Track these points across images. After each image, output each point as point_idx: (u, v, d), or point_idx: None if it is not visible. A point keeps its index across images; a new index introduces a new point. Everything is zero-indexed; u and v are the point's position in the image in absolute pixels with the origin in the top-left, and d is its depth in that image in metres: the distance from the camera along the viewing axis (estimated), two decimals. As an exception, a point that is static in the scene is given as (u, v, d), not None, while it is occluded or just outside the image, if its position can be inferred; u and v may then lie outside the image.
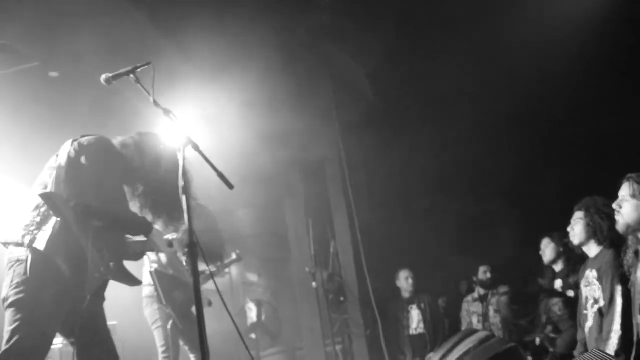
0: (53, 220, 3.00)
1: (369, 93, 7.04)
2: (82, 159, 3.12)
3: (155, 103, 2.96)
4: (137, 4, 5.41)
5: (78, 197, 3.04)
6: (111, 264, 3.24)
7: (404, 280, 7.53)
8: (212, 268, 5.63)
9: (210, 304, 5.08)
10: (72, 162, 3.10)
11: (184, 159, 2.84)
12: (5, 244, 3.07)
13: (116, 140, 3.43)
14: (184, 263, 5.18)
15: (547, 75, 7.16)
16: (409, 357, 7.21)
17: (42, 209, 3.07)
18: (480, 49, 7.04)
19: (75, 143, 3.18)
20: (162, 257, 5.23)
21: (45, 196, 3.02)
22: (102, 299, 3.34)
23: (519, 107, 7.49)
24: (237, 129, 7.16)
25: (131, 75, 3.05)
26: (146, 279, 5.26)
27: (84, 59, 5.37)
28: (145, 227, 3.36)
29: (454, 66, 7.09)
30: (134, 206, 3.47)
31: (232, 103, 6.54)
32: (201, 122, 6.74)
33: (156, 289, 5.06)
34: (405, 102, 7.64)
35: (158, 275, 5.08)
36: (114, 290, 6.94)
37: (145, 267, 5.33)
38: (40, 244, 2.96)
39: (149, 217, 3.47)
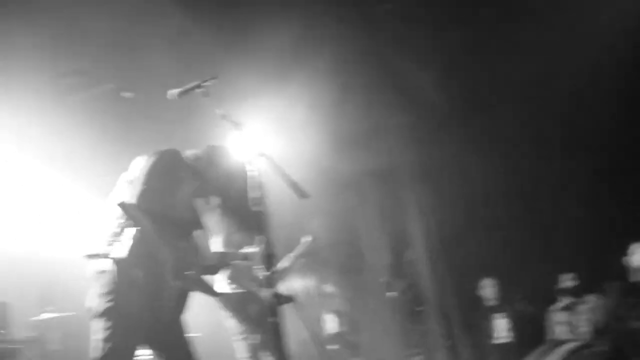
0: (132, 230, 3.07)
1: (441, 98, 6.91)
2: (154, 172, 3.18)
3: (224, 116, 2.96)
4: (201, 23, 5.52)
5: (151, 207, 3.10)
6: (189, 273, 3.26)
7: (488, 289, 7.33)
8: (286, 263, 5.58)
9: (289, 301, 5.08)
10: (145, 175, 3.17)
11: (256, 170, 2.85)
12: (89, 257, 3.14)
13: (188, 153, 3.46)
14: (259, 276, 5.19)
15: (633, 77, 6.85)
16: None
17: (121, 220, 3.13)
18: (560, 47, 6.78)
19: (148, 157, 3.26)
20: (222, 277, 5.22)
21: (123, 206, 3.10)
22: (183, 311, 3.36)
23: (600, 114, 7.18)
24: (308, 139, 7.19)
25: (198, 90, 3.07)
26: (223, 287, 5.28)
27: (155, 79, 5.55)
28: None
29: (532, 68, 6.86)
30: (209, 219, 3.52)
31: (302, 113, 6.58)
32: (271, 133, 6.82)
33: (229, 312, 5.08)
34: (480, 106, 7.45)
35: (226, 297, 5.09)
36: (197, 302, 7.15)
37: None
38: (122, 252, 3.03)
39: (226, 230, 3.50)
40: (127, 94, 6.49)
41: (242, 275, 5.17)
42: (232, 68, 5.97)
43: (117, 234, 3.11)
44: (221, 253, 3.54)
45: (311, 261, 6.57)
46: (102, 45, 5.69)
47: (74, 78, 6.14)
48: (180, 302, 3.34)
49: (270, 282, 2.74)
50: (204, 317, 7.27)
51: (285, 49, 5.89)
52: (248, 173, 2.84)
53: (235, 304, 5.03)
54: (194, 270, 3.30)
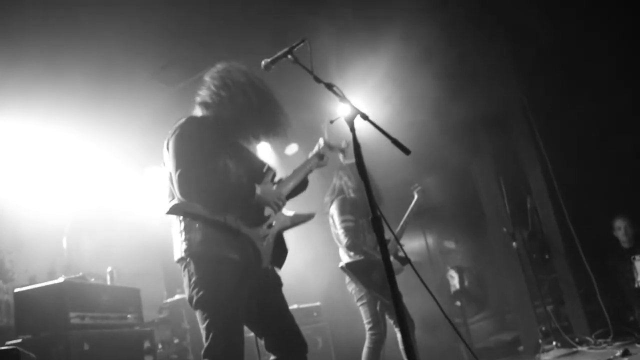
0: (195, 224, 3.05)
1: (548, 33, 6.44)
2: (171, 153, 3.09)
3: (317, 79, 2.89)
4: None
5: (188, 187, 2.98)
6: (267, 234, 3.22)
7: (623, 229, 6.82)
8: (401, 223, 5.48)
9: (404, 264, 4.99)
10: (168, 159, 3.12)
11: (354, 131, 2.73)
12: (178, 262, 3.13)
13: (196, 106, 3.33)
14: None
15: None
16: (638, 312, 6.53)
17: (181, 218, 3.11)
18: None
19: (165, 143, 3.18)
20: (344, 244, 5.19)
21: (171, 211, 3.08)
22: (280, 284, 3.32)
23: None
24: (410, 91, 7.00)
25: (289, 56, 3.01)
26: (343, 256, 5.27)
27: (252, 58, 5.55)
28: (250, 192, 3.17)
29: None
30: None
31: (401, 62, 6.38)
32: (370, 91, 6.69)
33: (354, 281, 5.05)
34: (588, 38, 6.87)
35: (349, 267, 5.05)
36: (314, 272, 7.22)
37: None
38: (196, 248, 3.02)
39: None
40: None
41: (363, 243, 5.14)
42: (327, 33, 5.89)
43: (186, 230, 3.08)
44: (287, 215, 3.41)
45: (429, 218, 6.42)
46: (198, 34, 5.74)
47: (174, 69, 6.25)
48: (275, 279, 3.31)
49: (386, 246, 2.60)
50: (325, 285, 7.39)
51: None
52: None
53: (358, 271, 4.99)
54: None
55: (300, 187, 3.57)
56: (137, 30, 5.54)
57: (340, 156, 3.93)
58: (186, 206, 3.04)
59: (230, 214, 3.05)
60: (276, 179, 3.47)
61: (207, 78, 3.32)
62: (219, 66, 3.35)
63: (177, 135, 3.08)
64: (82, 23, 5.35)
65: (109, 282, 5.73)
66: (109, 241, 6.98)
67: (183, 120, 3.17)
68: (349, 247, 5.08)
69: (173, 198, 3.13)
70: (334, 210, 5.28)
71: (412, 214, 5.51)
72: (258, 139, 3.38)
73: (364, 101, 6.53)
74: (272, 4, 5.57)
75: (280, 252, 3.32)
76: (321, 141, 3.67)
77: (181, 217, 3.10)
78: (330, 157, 3.75)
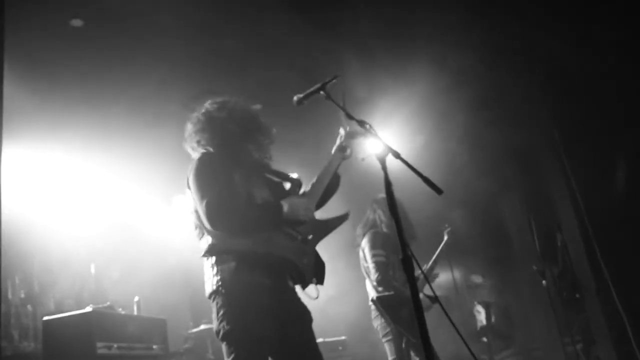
0: (227, 256, 3.05)
1: (578, 65, 6.39)
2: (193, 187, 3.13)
3: (349, 115, 2.89)
4: (320, 28, 5.50)
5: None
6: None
7: None
8: (427, 267, 5.47)
9: (433, 302, 4.93)
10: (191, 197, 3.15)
11: (386, 169, 2.72)
12: (210, 296, 3.12)
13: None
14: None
15: None
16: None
17: (212, 253, 3.11)
18: None
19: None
20: (374, 279, 5.16)
21: (208, 252, 3.09)
22: (311, 320, 3.28)
23: None
24: (440, 123, 6.99)
25: (321, 92, 3.03)
26: (371, 291, 5.24)
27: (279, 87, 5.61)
28: (276, 209, 3.18)
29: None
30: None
31: (431, 93, 6.38)
32: (399, 127, 6.69)
33: (382, 316, 5.01)
34: (622, 70, 6.80)
35: (380, 301, 5.02)
36: (340, 306, 7.18)
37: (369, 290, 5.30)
38: (227, 278, 3.01)
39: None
40: (256, 106, 6.62)
41: (393, 278, 5.10)
42: (356, 71, 5.93)
43: (217, 265, 3.09)
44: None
45: (456, 252, 6.39)
46: (229, 66, 5.82)
47: (205, 99, 6.33)
48: (306, 312, 3.28)
49: (416, 285, 2.58)
50: (352, 319, 7.32)
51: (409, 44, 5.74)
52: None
53: (388, 306, 4.94)
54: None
55: (332, 187, 3.54)
56: (169, 61, 5.64)
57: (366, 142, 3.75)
58: (219, 245, 3.05)
59: (260, 235, 3.05)
60: (302, 190, 3.47)
61: (189, 125, 3.39)
62: (197, 110, 3.44)
63: (196, 170, 3.13)
64: (116, 53, 5.45)
65: (135, 312, 5.74)
66: (135, 269, 7.02)
67: (196, 158, 3.22)
68: (379, 282, 5.04)
69: (201, 233, 3.16)
70: (365, 243, 5.26)
71: (442, 253, 5.53)
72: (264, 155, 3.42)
73: (394, 133, 6.55)
74: (303, 37, 5.62)
75: (319, 266, 3.32)
76: (342, 131, 3.60)
77: (212, 251, 3.10)
78: (354, 147, 3.62)
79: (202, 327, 6.95)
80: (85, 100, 5.83)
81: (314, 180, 3.46)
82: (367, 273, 5.22)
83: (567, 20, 6.08)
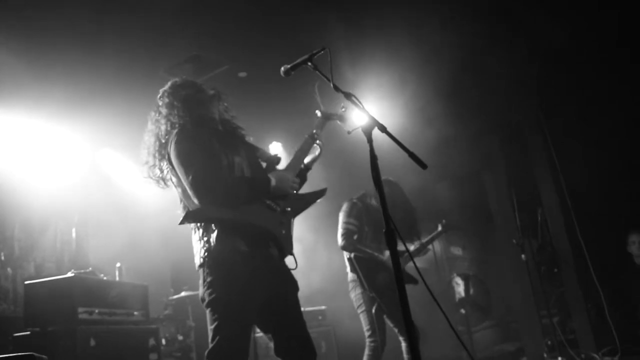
0: (211, 226, 3.07)
1: (564, 40, 6.38)
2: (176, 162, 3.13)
3: (336, 88, 2.87)
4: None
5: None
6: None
7: (638, 244, 6.75)
8: (414, 247, 5.55)
9: (415, 282, 4.99)
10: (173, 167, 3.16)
11: (372, 141, 2.73)
12: (199, 268, 3.14)
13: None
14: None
15: None
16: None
17: (198, 225, 3.14)
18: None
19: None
20: (339, 244, 5.25)
21: (185, 219, 3.08)
22: (297, 288, 3.32)
23: None
24: (425, 100, 7.00)
25: (309, 64, 3.02)
26: (346, 263, 5.32)
27: (268, 56, 5.56)
28: (264, 183, 3.23)
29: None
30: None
31: (417, 73, 6.37)
32: (385, 99, 6.69)
33: (357, 275, 5.07)
34: (608, 50, 6.80)
35: (357, 260, 5.09)
36: (322, 276, 7.23)
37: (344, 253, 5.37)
38: (213, 248, 3.04)
39: None
40: (242, 74, 6.61)
41: (359, 243, 5.18)
42: (346, 42, 5.90)
43: (205, 234, 3.11)
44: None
45: (435, 221, 6.45)
46: (215, 29, 5.75)
47: (191, 64, 6.29)
48: (291, 280, 3.32)
49: (398, 258, 2.59)
50: (332, 290, 7.39)
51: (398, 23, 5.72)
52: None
53: (365, 267, 5.02)
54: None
55: (302, 174, 3.58)
56: (157, 26, 5.57)
57: (340, 124, 3.70)
58: (198, 212, 3.07)
59: (243, 206, 3.08)
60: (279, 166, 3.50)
61: (158, 105, 3.39)
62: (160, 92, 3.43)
63: (176, 145, 3.12)
64: (106, 17, 5.38)
65: (117, 278, 5.76)
66: (117, 235, 7.01)
67: (174, 133, 3.19)
68: (342, 248, 5.16)
69: (186, 208, 3.17)
70: (341, 212, 5.35)
71: (431, 241, 5.65)
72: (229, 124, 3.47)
73: (379, 107, 6.56)
74: (290, 8, 5.58)
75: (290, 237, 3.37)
76: (318, 113, 3.65)
77: (198, 224, 3.13)
78: (330, 128, 3.71)
79: (183, 293, 7.00)
80: (65, 62, 5.75)
81: (290, 160, 3.49)
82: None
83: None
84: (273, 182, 3.19)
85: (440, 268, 9.04)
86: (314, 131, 3.58)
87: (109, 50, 5.67)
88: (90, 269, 5.32)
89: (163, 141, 3.23)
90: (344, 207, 5.38)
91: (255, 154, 3.46)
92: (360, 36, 6.03)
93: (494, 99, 7.19)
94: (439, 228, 5.82)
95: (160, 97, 3.39)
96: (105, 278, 5.33)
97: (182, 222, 3.10)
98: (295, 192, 3.34)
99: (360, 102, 2.85)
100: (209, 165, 3.05)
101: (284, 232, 3.24)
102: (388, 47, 6.23)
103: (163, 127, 3.27)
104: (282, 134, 8.12)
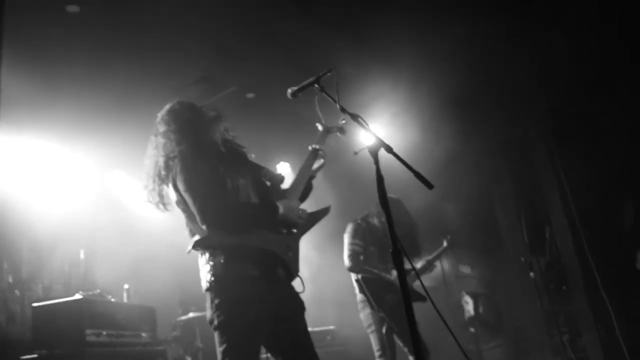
0: (219, 251, 3.08)
1: (573, 58, 6.39)
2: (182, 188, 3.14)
3: (342, 109, 2.91)
4: (320, 21, 5.51)
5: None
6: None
7: None
8: (420, 264, 5.54)
9: (424, 299, 4.97)
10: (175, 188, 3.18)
11: (378, 162, 2.75)
12: (206, 291, 3.14)
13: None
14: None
15: None
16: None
17: (205, 250, 3.14)
18: None
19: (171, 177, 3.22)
20: (346, 266, 5.27)
21: (195, 247, 3.12)
22: (303, 309, 3.32)
23: None
24: (432, 115, 7.02)
25: (316, 85, 3.06)
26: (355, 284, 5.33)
27: (275, 77, 5.61)
28: (272, 211, 3.22)
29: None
30: None
31: (422, 85, 6.40)
32: (392, 119, 6.71)
33: (366, 296, 5.07)
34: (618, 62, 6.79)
35: (365, 281, 5.09)
36: (330, 296, 7.21)
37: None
38: (219, 271, 3.05)
39: None
40: (250, 95, 6.68)
41: (365, 264, 5.21)
42: (351, 65, 5.95)
43: (212, 259, 3.11)
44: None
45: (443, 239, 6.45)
46: (223, 52, 5.81)
47: (200, 86, 6.36)
48: (298, 301, 3.31)
49: (405, 278, 2.59)
50: (342, 309, 7.37)
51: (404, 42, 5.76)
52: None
53: (373, 288, 5.02)
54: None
55: (307, 190, 3.60)
56: (164, 50, 5.64)
57: (341, 136, 3.75)
58: (207, 240, 3.09)
59: (254, 233, 3.10)
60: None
61: (158, 128, 3.39)
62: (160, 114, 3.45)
63: (181, 170, 3.13)
64: (112, 38, 5.44)
65: (125, 300, 5.76)
66: (125, 256, 7.02)
67: (177, 157, 3.19)
68: (349, 269, 5.17)
69: (192, 233, 3.20)
70: (345, 233, 5.38)
71: (437, 258, 5.65)
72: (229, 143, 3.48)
73: (385, 127, 6.58)
74: (299, 31, 5.64)
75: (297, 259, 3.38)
76: (319, 126, 3.67)
77: (205, 248, 3.14)
78: (331, 142, 3.76)
79: (191, 314, 6.98)
80: (74, 84, 5.81)
81: (293, 181, 3.52)
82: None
83: (565, 12, 6.09)
84: (281, 210, 3.20)
85: (448, 286, 8.99)
86: (316, 146, 3.60)
87: (118, 70, 5.73)
88: (98, 290, 5.34)
89: (162, 165, 3.24)
90: (348, 228, 5.42)
91: (259, 173, 3.47)
92: (368, 55, 6.09)
93: (502, 116, 7.19)
94: (444, 244, 5.84)
95: (159, 122, 3.40)
96: (112, 300, 5.34)
97: (191, 250, 3.14)
98: (300, 225, 3.33)
99: (366, 123, 2.86)
100: (215, 192, 3.08)
101: (290, 254, 3.25)
102: (395, 65, 6.27)
103: (163, 152, 3.27)
104: (289, 155, 8.16)
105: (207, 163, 3.17)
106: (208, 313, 3.08)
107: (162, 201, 3.30)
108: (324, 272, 7.13)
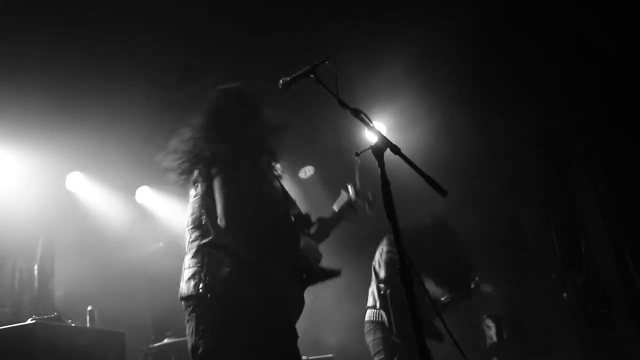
0: (225, 259, 3.08)
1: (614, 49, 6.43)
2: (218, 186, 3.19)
3: (342, 103, 2.87)
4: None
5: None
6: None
7: None
8: (444, 299, 5.59)
9: (440, 339, 5.00)
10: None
11: (383, 165, 2.74)
12: (184, 300, 3.14)
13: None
14: None
15: None
16: None
17: (208, 250, 3.14)
18: None
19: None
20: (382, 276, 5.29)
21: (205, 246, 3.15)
22: (296, 336, 3.29)
23: None
24: (450, 111, 7.05)
25: (311, 76, 3.03)
26: (370, 300, 5.34)
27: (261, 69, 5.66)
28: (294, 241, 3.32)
29: None
30: None
31: (436, 87, 6.43)
32: (403, 113, 6.73)
33: (387, 314, 5.07)
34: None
35: (392, 297, 5.09)
36: (330, 322, 7.22)
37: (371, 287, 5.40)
38: (218, 286, 3.04)
39: None
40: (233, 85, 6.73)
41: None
42: (350, 57, 5.98)
43: (207, 266, 3.12)
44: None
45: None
46: (203, 39, 5.91)
47: (178, 74, 6.40)
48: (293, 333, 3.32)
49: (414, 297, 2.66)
50: (341, 336, 7.38)
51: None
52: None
53: (399, 304, 5.06)
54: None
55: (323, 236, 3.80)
56: (155, 37, 5.73)
57: (366, 206, 4.04)
58: (221, 240, 3.11)
59: (268, 257, 3.15)
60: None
61: (198, 117, 3.45)
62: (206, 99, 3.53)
63: (224, 177, 3.16)
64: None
65: (88, 324, 5.74)
66: (87, 273, 7.00)
67: (220, 161, 3.23)
68: (384, 280, 5.22)
69: (199, 229, 3.21)
70: (384, 243, 5.47)
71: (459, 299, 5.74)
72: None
73: (393, 126, 6.62)
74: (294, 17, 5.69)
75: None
76: (350, 188, 3.88)
77: (206, 250, 3.14)
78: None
79: (166, 340, 6.95)
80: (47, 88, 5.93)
81: (321, 224, 3.74)
82: (375, 273, 5.33)
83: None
84: (302, 244, 3.28)
85: (467, 308, 9.00)
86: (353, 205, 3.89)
87: (78, 67, 5.82)
88: (55, 314, 5.31)
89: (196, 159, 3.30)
90: (385, 240, 5.49)
91: (287, 202, 3.55)
92: (376, 44, 6.14)
93: (530, 106, 7.20)
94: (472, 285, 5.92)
95: (212, 102, 3.49)
96: (73, 324, 5.31)
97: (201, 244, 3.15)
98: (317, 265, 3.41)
99: (369, 119, 2.84)
100: (254, 205, 3.13)
101: (297, 304, 3.32)
102: (406, 55, 6.32)
103: (205, 145, 3.31)
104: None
105: (251, 171, 3.23)
106: (190, 338, 3.05)
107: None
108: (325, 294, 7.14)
